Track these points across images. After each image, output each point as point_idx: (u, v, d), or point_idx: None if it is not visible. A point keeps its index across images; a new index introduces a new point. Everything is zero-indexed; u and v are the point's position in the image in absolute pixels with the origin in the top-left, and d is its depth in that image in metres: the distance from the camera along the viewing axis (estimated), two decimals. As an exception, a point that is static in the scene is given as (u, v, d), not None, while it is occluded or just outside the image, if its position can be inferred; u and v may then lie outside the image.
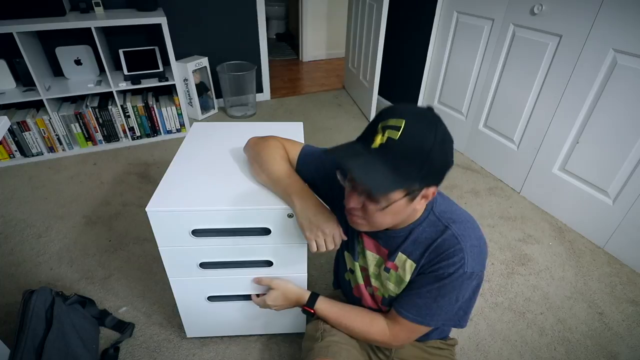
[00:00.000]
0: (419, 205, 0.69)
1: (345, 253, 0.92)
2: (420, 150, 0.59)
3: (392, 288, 0.81)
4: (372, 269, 0.85)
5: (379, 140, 0.61)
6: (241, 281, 1.03)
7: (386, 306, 0.86)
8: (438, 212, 0.74)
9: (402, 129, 0.59)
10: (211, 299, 1.07)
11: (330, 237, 0.79)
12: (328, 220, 0.80)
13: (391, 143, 0.59)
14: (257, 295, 1.02)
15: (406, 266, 0.77)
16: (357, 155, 0.62)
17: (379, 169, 0.60)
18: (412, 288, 0.77)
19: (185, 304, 1.09)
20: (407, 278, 0.78)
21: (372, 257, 0.84)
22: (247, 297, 1.06)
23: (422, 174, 0.61)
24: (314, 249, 0.81)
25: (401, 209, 0.67)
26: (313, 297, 0.91)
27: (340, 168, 0.73)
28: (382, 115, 0.63)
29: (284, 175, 0.86)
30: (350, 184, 0.69)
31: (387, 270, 0.81)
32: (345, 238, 0.83)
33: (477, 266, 0.71)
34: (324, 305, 0.89)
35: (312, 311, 0.90)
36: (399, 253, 0.77)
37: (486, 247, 0.74)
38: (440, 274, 0.72)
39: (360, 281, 0.89)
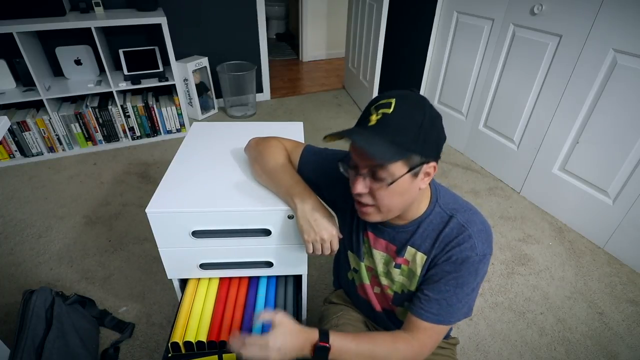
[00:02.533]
0: (423, 184, 0.69)
1: (349, 253, 0.90)
2: (414, 122, 0.63)
3: (405, 282, 0.81)
4: (380, 267, 0.83)
5: (374, 118, 0.64)
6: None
7: (396, 305, 0.85)
8: (442, 204, 0.76)
9: (393, 105, 0.63)
10: None
11: (328, 243, 0.79)
12: (328, 226, 0.79)
13: (386, 118, 0.63)
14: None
15: (417, 259, 0.77)
16: (358, 132, 0.65)
17: (379, 141, 0.62)
18: (428, 284, 0.75)
19: None
20: (419, 272, 0.77)
21: (379, 255, 0.83)
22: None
23: (419, 145, 0.64)
24: (310, 251, 0.81)
25: (407, 187, 0.67)
26: (324, 332, 0.72)
27: (341, 160, 0.73)
28: (372, 101, 0.67)
29: (286, 176, 0.85)
30: (353, 170, 0.69)
31: (397, 266, 0.80)
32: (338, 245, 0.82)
33: (487, 249, 0.72)
34: (339, 338, 0.71)
35: (328, 345, 0.70)
36: (408, 247, 0.77)
37: (491, 229, 0.75)
38: (454, 259, 0.72)
39: (366, 281, 0.88)
